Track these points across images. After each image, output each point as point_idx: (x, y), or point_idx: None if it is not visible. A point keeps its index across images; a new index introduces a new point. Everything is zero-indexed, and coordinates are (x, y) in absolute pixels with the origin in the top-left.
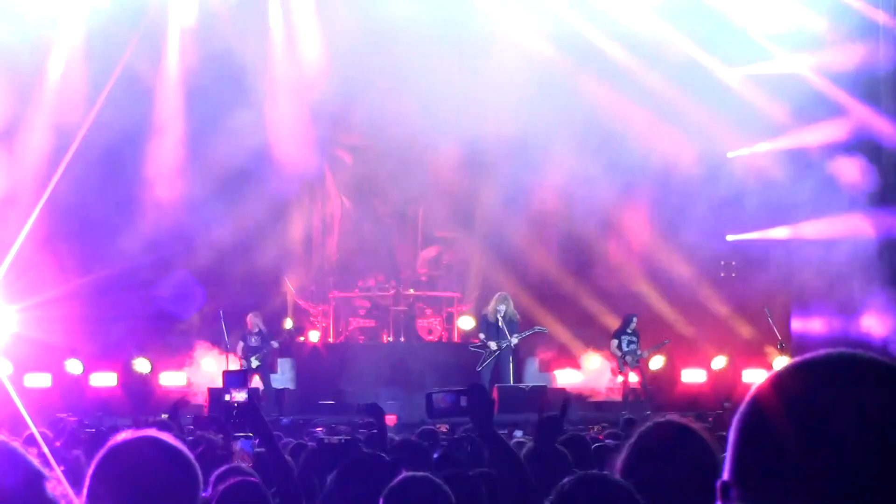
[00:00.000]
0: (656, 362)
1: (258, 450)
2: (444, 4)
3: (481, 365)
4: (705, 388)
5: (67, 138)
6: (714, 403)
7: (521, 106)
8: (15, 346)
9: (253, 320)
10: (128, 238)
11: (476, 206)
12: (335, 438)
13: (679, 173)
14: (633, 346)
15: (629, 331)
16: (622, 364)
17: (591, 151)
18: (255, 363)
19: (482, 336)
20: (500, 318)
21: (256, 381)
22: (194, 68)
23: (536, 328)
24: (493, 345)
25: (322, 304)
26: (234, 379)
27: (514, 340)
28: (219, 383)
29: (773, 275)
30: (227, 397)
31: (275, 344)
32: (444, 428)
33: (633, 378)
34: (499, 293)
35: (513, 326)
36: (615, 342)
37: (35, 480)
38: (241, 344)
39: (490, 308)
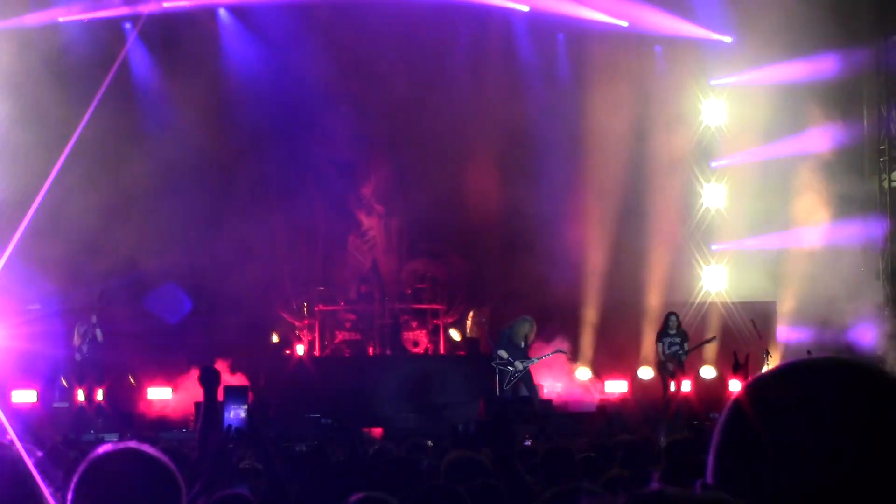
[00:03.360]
0: (708, 371)
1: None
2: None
3: (507, 384)
4: (692, 396)
5: (55, 151)
6: (701, 414)
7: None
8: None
9: (87, 328)
10: (113, 253)
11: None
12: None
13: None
14: (675, 348)
15: (671, 331)
16: (662, 369)
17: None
18: (99, 336)
19: (504, 354)
20: (524, 340)
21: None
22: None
23: (557, 350)
24: (518, 364)
25: (308, 317)
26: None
27: (536, 360)
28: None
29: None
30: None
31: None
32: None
33: (672, 387)
34: (523, 316)
35: (526, 348)
36: (659, 346)
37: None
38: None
39: (516, 329)
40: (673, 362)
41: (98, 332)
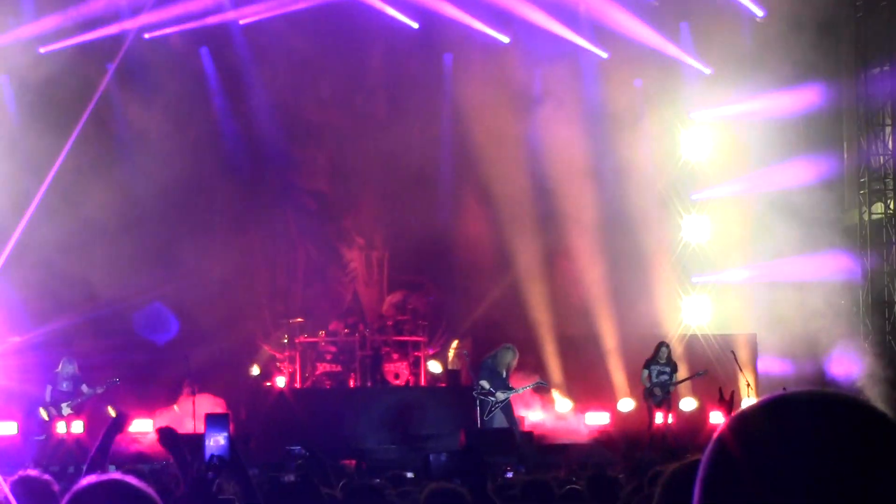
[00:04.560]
0: (688, 404)
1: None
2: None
3: (488, 414)
4: (673, 427)
5: (29, 182)
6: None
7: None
8: None
9: (64, 365)
10: (95, 286)
11: (441, 248)
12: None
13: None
14: (663, 377)
15: (661, 360)
16: (648, 397)
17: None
18: (66, 410)
19: (486, 384)
20: (506, 369)
21: (62, 428)
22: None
23: (538, 382)
24: (500, 395)
25: (289, 349)
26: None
27: (520, 391)
28: (185, 429)
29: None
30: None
31: (86, 390)
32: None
33: (660, 419)
34: (505, 344)
35: (507, 378)
36: (645, 372)
37: None
38: (48, 388)
39: (499, 359)
40: (661, 390)
41: (84, 388)
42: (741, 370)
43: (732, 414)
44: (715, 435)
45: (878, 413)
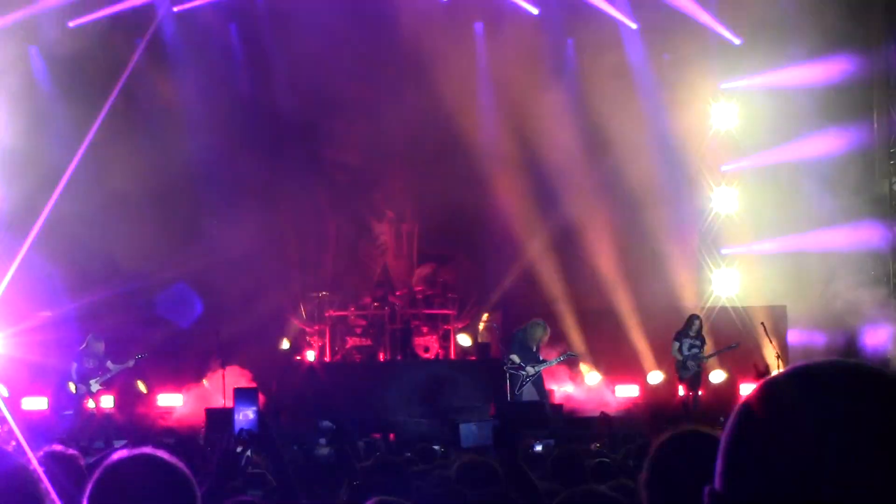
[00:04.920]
0: (717, 376)
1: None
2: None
3: (519, 389)
4: (701, 400)
5: (61, 158)
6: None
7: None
8: (9, 370)
9: (91, 342)
10: (124, 261)
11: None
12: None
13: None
14: (695, 350)
15: (692, 333)
16: (681, 369)
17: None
18: (95, 387)
19: (516, 358)
20: (536, 344)
21: (92, 403)
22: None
23: (568, 353)
24: (530, 369)
25: (318, 323)
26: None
27: (551, 363)
28: (214, 404)
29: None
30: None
31: (111, 366)
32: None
33: (682, 391)
34: (535, 319)
35: (537, 352)
36: (676, 345)
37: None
38: (74, 365)
39: (529, 333)
40: (694, 363)
41: (110, 364)
42: (771, 342)
43: (759, 382)
44: (740, 403)
45: None
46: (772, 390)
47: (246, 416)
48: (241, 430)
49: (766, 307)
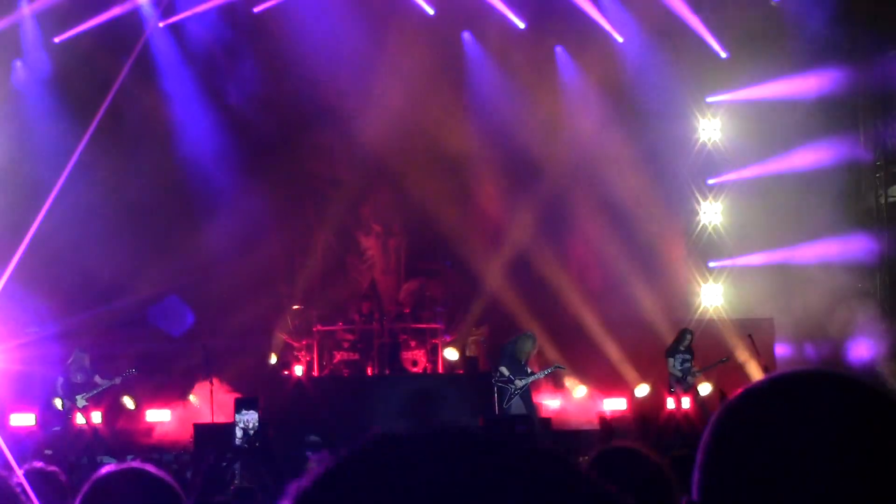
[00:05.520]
0: (704, 389)
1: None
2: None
3: (507, 402)
4: (691, 413)
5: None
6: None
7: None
8: None
9: (77, 356)
10: (112, 278)
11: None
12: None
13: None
14: (687, 365)
15: (682, 348)
16: (676, 383)
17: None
18: (81, 402)
19: (505, 371)
20: (523, 357)
21: (80, 419)
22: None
23: (556, 366)
24: (519, 382)
25: (306, 337)
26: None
27: (539, 376)
28: (202, 419)
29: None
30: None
31: (100, 381)
32: None
33: (671, 404)
34: (526, 331)
35: (525, 364)
36: (671, 361)
37: None
38: (59, 380)
39: (518, 346)
40: (691, 377)
41: (98, 379)
42: (758, 355)
43: (738, 391)
44: (718, 413)
45: (889, 395)
46: (750, 399)
47: (250, 417)
48: (226, 446)
49: (753, 320)
